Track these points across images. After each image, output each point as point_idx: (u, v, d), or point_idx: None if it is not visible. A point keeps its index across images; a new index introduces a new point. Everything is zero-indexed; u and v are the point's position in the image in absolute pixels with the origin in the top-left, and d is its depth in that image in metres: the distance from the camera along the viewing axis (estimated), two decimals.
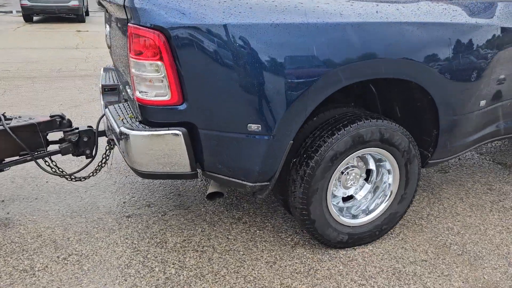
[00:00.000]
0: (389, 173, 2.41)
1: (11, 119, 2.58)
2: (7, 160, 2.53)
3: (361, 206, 2.43)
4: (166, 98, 1.94)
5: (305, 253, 2.34)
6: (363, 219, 2.37)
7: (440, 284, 2.14)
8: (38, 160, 2.53)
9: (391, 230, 2.55)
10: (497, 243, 2.52)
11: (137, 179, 3.14)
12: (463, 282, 2.16)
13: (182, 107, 1.95)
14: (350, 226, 2.34)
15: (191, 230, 2.52)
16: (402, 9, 2.11)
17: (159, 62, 1.87)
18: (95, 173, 2.71)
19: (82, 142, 2.67)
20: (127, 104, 2.47)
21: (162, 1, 1.82)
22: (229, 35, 1.84)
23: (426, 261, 2.32)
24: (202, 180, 3.13)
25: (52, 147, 2.62)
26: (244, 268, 2.20)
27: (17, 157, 2.55)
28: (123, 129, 2.03)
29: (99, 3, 2.84)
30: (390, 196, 2.39)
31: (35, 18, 14.62)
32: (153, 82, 1.92)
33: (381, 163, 2.39)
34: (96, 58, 8.06)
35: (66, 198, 2.85)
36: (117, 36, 2.33)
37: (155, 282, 2.08)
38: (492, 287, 2.14)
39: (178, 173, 2.12)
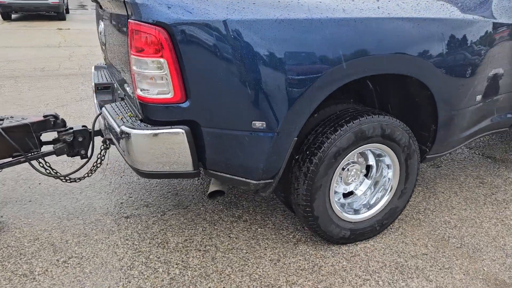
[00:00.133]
0: (388, 168, 2.42)
1: (3, 120, 2.51)
2: None
3: (362, 201, 2.44)
4: (169, 96, 1.90)
5: (308, 250, 2.34)
6: (365, 215, 2.39)
7: (442, 277, 2.16)
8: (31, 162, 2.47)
9: (391, 225, 2.57)
10: (493, 235, 2.56)
11: (133, 179, 3.09)
12: (464, 275, 2.20)
13: (185, 105, 1.92)
14: (352, 222, 2.35)
15: (192, 229, 2.49)
16: (403, 5, 2.12)
17: (161, 59, 1.83)
18: (90, 174, 2.66)
19: (77, 142, 2.61)
20: (124, 103, 2.43)
21: None
22: (232, 31, 1.82)
23: (426, 254, 2.34)
24: (199, 179, 3.10)
25: (44, 148, 2.56)
26: (248, 266, 2.19)
27: (10, 159, 2.48)
28: (124, 128, 1.99)
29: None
30: (390, 191, 2.41)
31: (13, 16, 14.27)
32: (155, 80, 1.89)
33: (381, 158, 2.41)
34: (80, 56, 7.91)
35: (61, 200, 2.79)
36: (114, 33, 2.28)
37: (159, 283, 2.05)
38: (492, 278, 2.18)
39: (180, 172, 2.09)
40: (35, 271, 2.11)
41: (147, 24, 1.80)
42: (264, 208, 2.75)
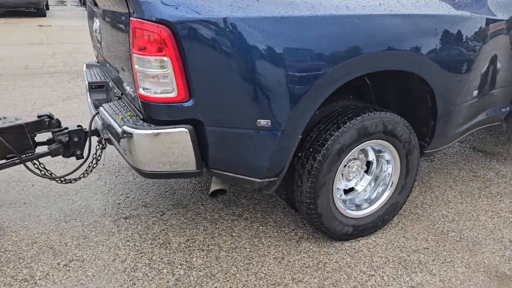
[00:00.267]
0: (388, 163, 2.44)
1: None
2: None
3: (363, 196, 2.45)
4: (172, 95, 1.87)
5: (311, 247, 2.34)
6: (367, 210, 2.40)
7: (445, 271, 2.19)
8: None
9: (391, 220, 2.59)
10: (490, 228, 2.61)
11: (129, 179, 3.05)
12: (465, 268, 2.23)
13: (189, 103, 1.89)
14: (354, 218, 2.36)
15: (193, 229, 2.47)
16: (403, 1, 2.13)
17: (165, 58, 1.80)
18: (86, 175, 2.60)
19: (72, 143, 2.56)
20: (122, 102, 2.38)
21: None
22: (237, 29, 1.79)
23: (428, 249, 2.37)
24: (196, 177, 3.08)
25: (38, 149, 2.49)
26: (253, 265, 2.18)
27: (4, 161, 2.42)
28: (127, 128, 1.95)
29: None
30: (391, 186, 2.43)
31: None
32: (158, 79, 1.85)
33: (381, 154, 2.42)
34: (64, 54, 7.75)
35: (57, 202, 2.73)
36: (112, 31, 2.23)
37: (165, 284, 2.03)
38: (493, 270, 2.22)
39: (183, 171, 2.07)
40: (36, 275, 2.06)
41: (150, 22, 1.76)
42: (264, 206, 2.74)
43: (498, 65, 2.56)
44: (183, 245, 2.32)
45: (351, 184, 2.45)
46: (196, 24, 1.77)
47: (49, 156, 2.47)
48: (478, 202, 2.92)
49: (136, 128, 1.94)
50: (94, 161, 2.57)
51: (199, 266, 2.16)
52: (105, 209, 2.65)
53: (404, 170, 2.41)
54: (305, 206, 2.19)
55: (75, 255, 2.21)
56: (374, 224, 2.44)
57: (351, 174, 2.37)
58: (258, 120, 1.93)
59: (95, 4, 2.57)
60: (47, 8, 15.11)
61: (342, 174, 2.34)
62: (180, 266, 2.15)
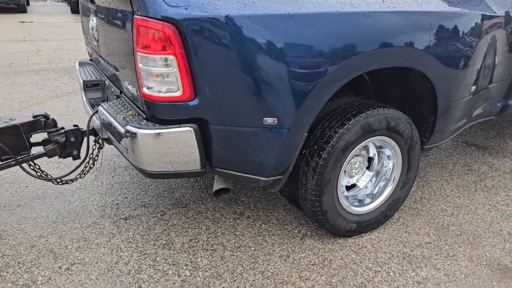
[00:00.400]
0: (388, 159, 2.45)
1: None
2: None
3: (365, 192, 2.46)
4: (177, 93, 1.84)
5: (315, 244, 2.34)
6: (370, 207, 2.41)
7: (448, 265, 2.22)
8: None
9: (392, 216, 2.60)
10: (489, 221, 2.65)
11: (125, 179, 2.99)
12: (468, 261, 2.26)
13: (194, 102, 1.86)
14: (358, 215, 2.37)
15: (196, 228, 2.44)
16: None
17: (170, 56, 1.76)
18: (82, 175, 2.55)
19: (69, 143, 2.50)
20: (121, 101, 2.33)
21: None
22: (244, 26, 1.76)
23: (430, 243, 2.39)
24: None
25: (33, 149, 2.43)
26: (259, 264, 2.17)
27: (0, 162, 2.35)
28: (130, 128, 1.90)
29: None
30: (392, 182, 2.44)
31: None
32: (163, 77, 1.82)
33: (381, 150, 2.43)
34: (48, 51, 7.58)
35: (53, 203, 2.66)
36: (111, 29, 2.18)
37: (171, 286, 2.00)
38: (495, 263, 2.25)
39: (187, 171, 2.03)
40: (38, 280, 2.01)
41: (155, 20, 1.72)
42: (265, 204, 2.73)
43: (495, 60, 2.59)
44: (187, 245, 2.29)
45: (353, 181, 2.45)
46: (202, 22, 1.73)
47: (42, 157, 2.42)
48: (475, 195, 2.96)
49: (140, 128, 1.90)
50: (91, 161, 2.52)
51: (204, 266, 2.13)
52: (104, 210, 2.60)
53: (406, 166, 2.42)
54: (310, 203, 2.18)
55: (76, 258, 2.16)
56: (377, 220, 2.45)
57: (353, 171, 2.38)
58: (264, 118, 1.91)
59: (91, 1, 2.50)
60: (28, 4, 14.78)
61: (345, 171, 2.34)
62: (186, 267, 2.12)
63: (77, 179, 2.53)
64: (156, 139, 1.89)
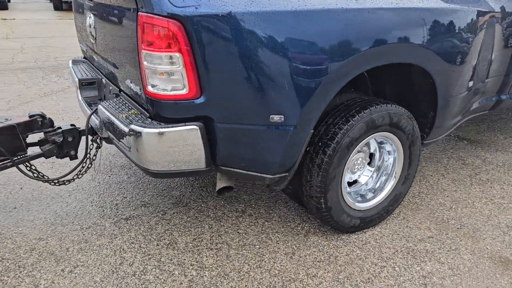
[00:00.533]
0: (389, 154, 2.46)
1: None
2: None
3: (367, 187, 2.47)
4: (183, 91, 1.81)
5: (319, 240, 2.34)
6: (373, 202, 2.41)
7: (452, 259, 2.24)
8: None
9: (393, 211, 2.62)
10: (487, 214, 2.69)
11: (123, 178, 2.95)
12: (471, 255, 2.29)
13: (200, 100, 1.83)
14: (361, 210, 2.38)
15: (198, 227, 2.42)
16: None
17: (176, 54, 1.73)
18: (80, 176, 2.50)
19: (66, 143, 2.45)
20: (121, 100, 2.29)
21: None
22: (251, 23, 1.74)
23: (432, 237, 2.42)
24: None
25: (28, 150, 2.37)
26: (265, 262, 2.16)
27: None
28: (135, 127, 1.87)
29: None
30: (394, 177, 2.45)
31: None
32: (168, 75, 1.78)
33: (382, 145, 2.44)
34: (33, 48, 7.42)
35: (50, 205, 2.61)
36: (112, 26, 2.13)
37: (178, 286, 1.97)
38: (497, 256, 2.29)
39: (192, 170, 2.01)
40: (40, 284, 1.96)
41: (160, 17, 1.69)
42: (266, 201, 2.72)
43: (492, 55, 2.62)
44: (191, 244, 2.27)
45: (355, 177, 2.46)
46: (208, 18, 1.71)
47: (39, 157, 2.36)
48: (471, 189, 3.01)
49: (145, 127, 1.86)
50: (88, 161, 2.47)
51: (210, 266, 2.11)
52: (103, 210, 2.56)
53: (407, 161, 2.44)
54: (315, 200, 2.18)
55: (79, 261, 2.12)
56: (380, 215, 2.46)
57: (355, 167, 2.38)
58: (271, 116, 1.89)
59: None
60: (9, 1, 14.42)
61: (348, 167, 2.34)
62: (191, 267, 2.10)
63: (74, 180, 2.48)
64: (161, 138, 1.86)
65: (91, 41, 2.51)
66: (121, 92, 2.32)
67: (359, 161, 2.38)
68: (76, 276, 2.01)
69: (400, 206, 2.72)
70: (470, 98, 2.72)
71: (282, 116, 1.90)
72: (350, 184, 2.46)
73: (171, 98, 1.83)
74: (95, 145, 2.51)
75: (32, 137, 2.50)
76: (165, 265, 2.10)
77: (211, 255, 2.19)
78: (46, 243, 2.25)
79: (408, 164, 2.46)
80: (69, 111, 4.26)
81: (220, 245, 2.27)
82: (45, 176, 2.45)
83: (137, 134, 1.87)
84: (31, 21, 10.74)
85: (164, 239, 2.30)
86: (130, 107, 2.15)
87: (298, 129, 1.95)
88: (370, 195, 2.45)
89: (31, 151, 2.37)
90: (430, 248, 2.32)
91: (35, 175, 2.42)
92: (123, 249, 2.21)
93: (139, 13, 1.75)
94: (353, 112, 2.13)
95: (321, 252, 2.25)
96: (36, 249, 2.20)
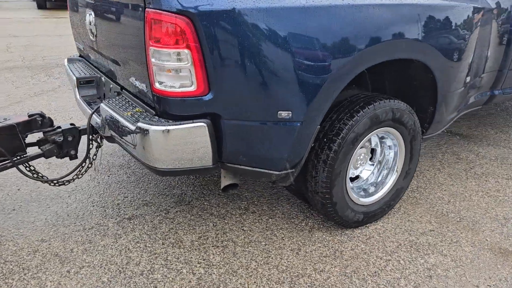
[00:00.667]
0: (390, 149, 2.49)
1: None
2: None
3: (369, 181, 2.49)
4: (191, 88, 1.80)
5: (324, 236, 2.36)
6: (375, 197, 2.44)
7: (454, 251, 2.28)
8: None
9: (395, 205, 2.65)
10: (484, 207, 2.74)
11: (122, 178, 2.92)
12: (471, 247, 2.33)
13: (208, 97, 1.82)
14: (364, 205, 2.40)
15: (203, 225, 2.41)
16: None
17: (185, 50, 1.72)
18: (80, 176, 2.47)
19: (66, 142, 2.42)
20: (124, 98, 2.26)
21: None
22: (259, 20, 1.75)
23: (433, 230, 2.45)
24: None
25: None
26: (272, 258, 2.16)
27: None
28: (142, 125, 1.85)
29: None
30: (396, 172, 2.48)
31: None
32: (177, 72, 1.77)
33: (383, 140, 2.47)
34: (19, 47, 7.27)
35: (50, 206, 2.57)
36: (116, 23, 2.10)
37: (187, 284, 1.96)
38: (497, 247, 2.34)
39: (198, 167, 2.00)
40: (47, 285, 1.93)
41: (169, 13, 1.68)
42: (268, 198, 2.72)
43: (489, 51, 2.67)
44: (196, 242, 2.26)
45: (357, 172, 2.48)
46: (217, 14, 1.70)
47: (39, 158, 2.33)
48: (467, 183, 3.06)
49: (153, 125, 1.85)
50: (88, 161, 2.44)
51: (218, 264, 2.11)
52: (105, 210, 2.53)
53: (409, 156, 2.47)
54: (321, 196, 2.19)
55: (84, 261, 2.09)
56: (382, 210, 2.49)
57: (358, 162, 2.41)
58: (279, 112, 1.90)
59: None
60: None
61: (351, 163, 2.36)
62: (199, 265, 2.09)
63: (74, 180, 2.45)
64: (169, 135, 1.85)
65: (91, 38, 2.47)
66: (123, 90, 2.30)
67: (361, 157, 2.40)
68: (82, 277, 1.98)
69: (400, 201, 2.75)
70: (467, 93, 2.77)
71: (290, 112, 1.90)
72: (352, 179, 2.48)
73: (179, 95, 1.82)
74: (95, 144, 2.48)
75: (30, 137, 2.46)
76: (172, 264, 2.09)
77: (218, 253, 2.19)
78: (49, 244, 2.21)
79: (410, 159, 2.49)
80: (61, 110, 4.19)
81: (226, 242, 2.27)
82: (44, 177, 2.42)
83: (145, 132, 1.85)
84: (15, 20, 10.53)
85: (169, 238, 2.29)
86: (134, 105, 2.13)
87: (305, 125, 1.96)
88: (372, 189, 2.47)
89: (29, 151, 2.34)
90: (432, 241, 2.35)
91: (35, 175, 2.38)
92: (128, 249, 2.19)
93: (146, 9, 1.73)
94: (357, 107, 2.14)
95: (326, 247, 2.26)
96: (39, 250, 2.16)
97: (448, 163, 3.37)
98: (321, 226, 2.44)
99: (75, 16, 2.79)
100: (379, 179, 2.51)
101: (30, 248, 2.18)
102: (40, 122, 2.36)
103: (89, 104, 2.56)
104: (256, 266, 2.10)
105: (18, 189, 2.74)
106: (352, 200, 2.33)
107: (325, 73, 1.87)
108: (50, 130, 2.39)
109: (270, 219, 2.50)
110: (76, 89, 2.70)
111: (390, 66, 2.48)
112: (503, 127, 4.19)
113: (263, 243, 2.28)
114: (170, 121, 1.86)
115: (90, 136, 2.41)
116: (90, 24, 2.39)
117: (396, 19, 2.03)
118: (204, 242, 2.27)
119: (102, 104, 2.21)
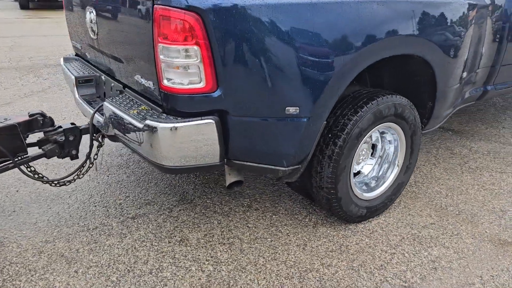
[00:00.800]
0: (390, 143, 2.53)
1: None
2: None
3: (370, 175, 2.53)
4: (200, 85, 1.80)
5: (328, 231, 2.38)
6: (378, 191, 2.47)
7: (455, 243, 2.33)
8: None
9: (395, 200, 2.69)
10: (481, 200, 2.80)
11: (122, 177, 2.90)
12: (472, 238, 2.38)
13: (216, 94, 1.83)
14: (367, 200, 2.43)
15: (207, 223, 2.41)
16: None
17: (194, 47, 1.72)
18: (81, 176, 2.44)
19: (68, 142, 2.39)
20: (127, 96, 2.25)
21: None
22: (268, 16, 1.76)
23: (434, 224, 2.50)
24: None
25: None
26: (279, 254, 2.18)
27: None
28: (150, 122, 1.85)
29: None
30: (397, 166, 2.52)
31: None
32: (185, 69, 1.78)
33: (383, 135, 2.51)
34: (4, 48, 7.13)
35: (51, 206, 2.53)
36: (121, 20, 2.09)
37: (197, 282, 1.96)
38: (496, 239, 2.39)
39: (205, 164, 2.01)
40: (55, 286, 1.91)
41: (178, 9, 1.68)
42: (270, 195, 2.74)
43: (485, 47, 2.73)
44: (202, 240, 2.26)
45: (359, 167, 2.51)
46: (226, 11, 1.71)
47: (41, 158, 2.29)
48: (463, 177, 3.12)
49: (161, 122, 1.84)
50: (89, 161, 2.42)
51: (226, 260, 2.11)
52: (107, 210, 2.51)
53: (409, 151, 2.51)
54: (326, 191, 2.21)
55: (91, 261, 2.07)
56: (384, 204, 2.52)
57: (360, 157, 2.44)
58: (286, 108, 1.91)
59: None
60: None
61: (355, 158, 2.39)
62: (207, 262, 2.10)
63: (75, 180, 2.42)
64: (177, 132, 1.85)
65: (91, 37, 2.45)
66: (126, 88, 2.29)
67: (363, 152, 2.43)
68: (91, 277, 1.97)
69: (400, 195, 2.79)
70: (464, 88, 2.83)
71: (298, 108, 1.92)
72: (354, 175, 2.51)
73: (187, 92, 1.82)
74: (96, 143, 2.46)
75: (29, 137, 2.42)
76: (180, 262, 2.09)
77: (225, 250, 2.19)
78: (54, 245, 2.19)
79: (410, 154, 2.53)
80: (54, 111, 4.13)
81: (232, 239, 2.28)
82: (45, 177, 2.39)
83: (153, 129, 1.85)
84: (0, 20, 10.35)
85: (175, 236, 2.28)
86: (139, 103, 2.12)
87: (312, 121, 1.98)
88: (373, 183, 2.51)
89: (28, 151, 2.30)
90: (434, 234, 2.40)
91: (36, 176, 2.35)
92: (134, 248, 2.18)
93: (155, 6, 1.73)
94: (361, 103, 2.17)
95: (331, 242, 2.29)
96: (45, 251, 2.13)
97: (443, 158, 3.44)
98: (325, 222, 2.46)
99: (72, 14, 2.75)
100: (380, 173, 2.54)
101: (34, 249, 2.15)
102: (41, 122, 2.33)
103: (89, 103, 2.54)
104: (264, 262, 2.11)
105: (17, 191, 2.70)
106: (356, 195, 2.36)
107: (332, 69, 1.90)
108: (51, 129, 2.36)
109: (274, 216, 2.51)
110: (75, 89, 2.67)
111: (389, 62, 2.53)
112: (493, 122, 4.29)
113: (269, 239, 2.29)
114: (178, 118, 1.86)
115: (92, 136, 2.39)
116: (91, 22, 2.37)
117: (402, 15, 2.06)
118: (210, 239, 2.27)
119: (105, 103, 2.19)
